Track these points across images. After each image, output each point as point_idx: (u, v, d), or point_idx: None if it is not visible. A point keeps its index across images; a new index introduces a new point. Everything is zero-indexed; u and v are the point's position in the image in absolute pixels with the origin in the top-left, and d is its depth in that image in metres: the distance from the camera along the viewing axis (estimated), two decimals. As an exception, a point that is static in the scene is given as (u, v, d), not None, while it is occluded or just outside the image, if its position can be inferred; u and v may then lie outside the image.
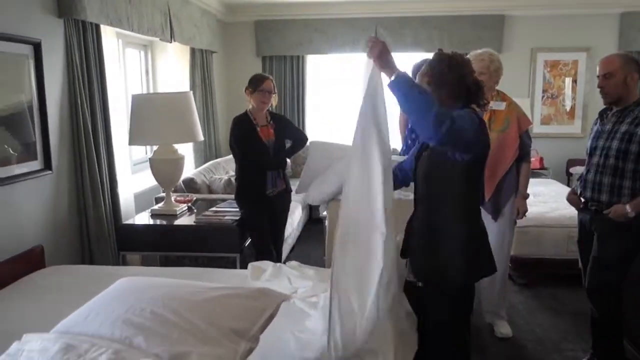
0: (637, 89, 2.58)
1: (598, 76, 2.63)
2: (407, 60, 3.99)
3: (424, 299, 2.16)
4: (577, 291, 2.78)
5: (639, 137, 2.48)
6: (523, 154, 3.08)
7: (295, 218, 4.81)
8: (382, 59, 1.90)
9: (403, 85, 1.88)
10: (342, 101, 6.79)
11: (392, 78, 1.90)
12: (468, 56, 3.10)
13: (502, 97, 3.13)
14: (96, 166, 3.40)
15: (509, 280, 4.05)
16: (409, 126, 3.92)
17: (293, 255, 4.88)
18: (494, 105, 3.04)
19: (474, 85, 2.11)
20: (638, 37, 6.11)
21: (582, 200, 2.77)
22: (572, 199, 2.86)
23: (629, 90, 2.55)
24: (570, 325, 3.41)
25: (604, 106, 2.71)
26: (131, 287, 1.35)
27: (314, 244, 5.04)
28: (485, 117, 3.03)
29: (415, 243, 2.16)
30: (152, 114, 3.40)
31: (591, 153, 2.71)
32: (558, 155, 6.38)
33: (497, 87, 3.29)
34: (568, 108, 6.48)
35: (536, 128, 6.49)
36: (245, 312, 1.34)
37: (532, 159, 6.07)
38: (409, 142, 3.96)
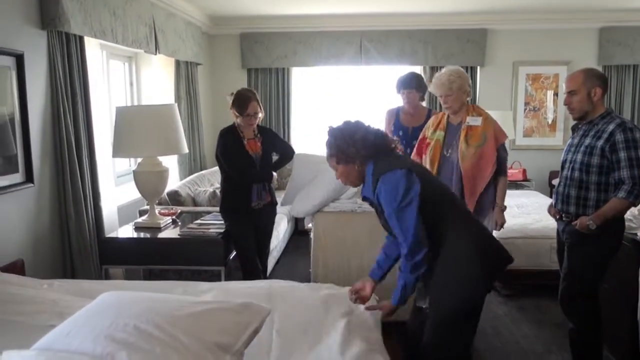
0: (602, 103, 2.66)
1: (564, 93, 2.70)
2: (392, 73, 4.03)
3: (434, 322, 2.16)
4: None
5: (599, 150, 2.54)
6: (500, 167, 3.11)
7: (281, 230, 4.80)
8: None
9: (404, 299, 2.11)
10: (327, 113, 6.83)
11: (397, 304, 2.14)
12: (432, 79, 3.15)
13: (477, 112, 3.16)
14: (79, 179, 3.37)
15: (494, 292, 4.08)
16: (392, 130, 3.96)
17: (279, 267, 4.86)
18: (470, 120, 3.07)
19: (376, 136, 2.17)
20: (616, 52, 6.26)
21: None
22: (550, 211, 2.92)
23: (593, 105, 2.62)
24: (554, 336, 3.43)
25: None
26: (114, 301, 1.33)
27: (300, 256, 5.03)
28: (462, 133, 3.07)
29: (431, 280, 2.16)
30: (136, 126, 3.38)
31: (562, 166, 2.79)
32: (540, 166, 6.47)
33: (477, 101, 3.34)
34: (550, 120, 6.59)
35: (519, 140, 6.59)
36: (230, 326, 1.32)
37: (516, 171, 6.21)
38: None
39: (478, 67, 6.39)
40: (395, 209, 2.02)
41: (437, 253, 2.08)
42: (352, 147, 2.12)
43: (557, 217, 2.81)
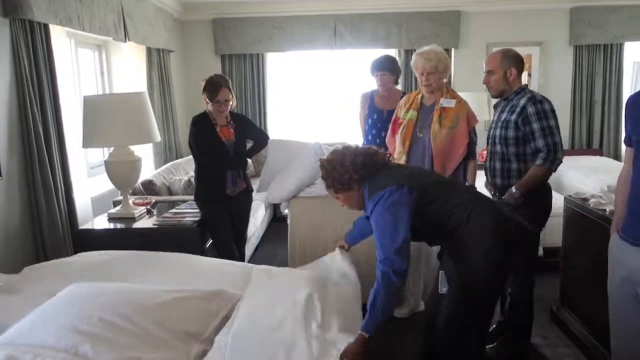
0: (518, 81, 2.82)
1: (484, 72, 2.87)
2: (366, 57, 4.02)
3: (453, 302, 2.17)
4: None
5: (513, 124, 2.73)
6: (470, 151, 3.17)
7: (258, 217, 4.78)
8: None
9: (374, 324, 1.98)
10: (303, 99, 6.80)
11: (372, 332, 1.98)
12: (415, 55, 3.16)
13: (452, 94, 3.19)
14: (49, 170, 3.30)
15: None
16: (369, 122, 3.96)
17: (257, 254, 4.86)
18: (444, 102, 3.10)
19: (365, 156, 2.19)
20: (587, 31, 6.32)
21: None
22: (486, 187, 3.04)
23: (509, 84, 2.80)
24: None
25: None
26: (80, 293, 1.31)
27: (279, 243, 5.00)
28: (436, 114, 3.08)
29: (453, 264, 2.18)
30: (105, 116, 3.31)
31: (487, 142, 2.96)
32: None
33: (452, 83, 3.36)
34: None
35: (494, 121, 6.64)
36: (199, 314, 1.32)
37: (484, 152, 6.26)
38: (369, 137, 4.00)
39: (452, 49, 6.39)
40: (390, 224, 2.03)
41: (459, 238, 2.09)
42: (346, 174, 2.15)
43: (492, 192, 2.95)
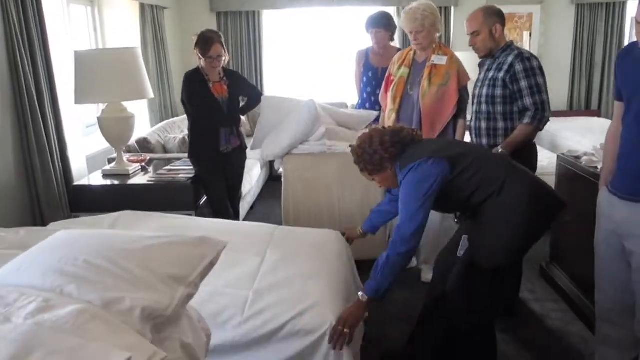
0: (504, 37, 2.78)
1: (467, 34, 2.82)
2: (363, 15, 3.95)
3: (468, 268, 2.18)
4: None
5: (501, 82, 2.68)
6: (460, 110, 3.13)
7: (254, 175, 4.80)
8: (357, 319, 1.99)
9: (383, 291, 2.05)
10: (300, 57, 6.72)
11: (373, 295, 2.04)
12: (402, 14, 3.10)
13: (444, 51, 3.14)
14: (42, 127, 3.29)
15: (454, 222, 4.19)
16: (364, 80, 3.93)
17: (253, 213, 4.90)
18: (436, 59, 3.06)
19: (392, 135, 2.18)
20: (590, -13, 6.20)
21: None
22: None
23: (496, 41, 2.75)
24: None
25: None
26: (66, 238, 1.33)
27: (275, 202, 5.03)
28: (426, 72, 3.05)
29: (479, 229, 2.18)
30: (96, 71, 3.28)
31: (472, 101, 2.91)
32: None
33: (451, 43, 3.31)
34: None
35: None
36: (184, 259, 1.34)
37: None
38: (364, 95, 3.99)
39: (452, 7, 6.28)
40: (414, 202, 2.05)
41: (490, 207, 2.08)
42: (376, 155, 2.15)
43: None
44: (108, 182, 3.52)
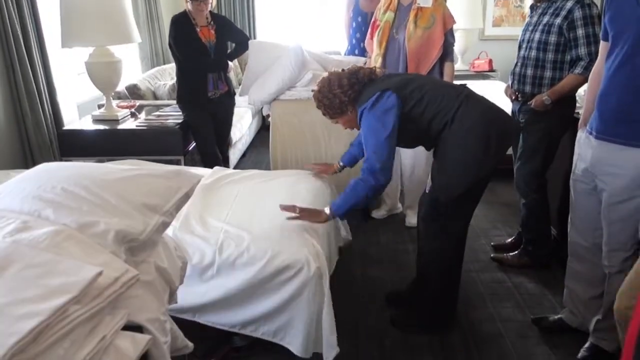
0: None
1: None
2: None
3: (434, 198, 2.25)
4: (512, 183, 2.96)
5: (557, 28, 2.55)
6: (446, 52, 3.11)
7: (244, 123, 4.82)
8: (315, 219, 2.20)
9: (343, 211, 2.19)
10: (294, 5, 6.61)
11: (334, 209, 2.19)
12: None
13: None
14: (30, 73, 3.29)
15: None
16: (353, 25, 3.90)
17: (244, 160, 4.96)
18: (421, 1, 3.03)
19: (349, 77, 2.19)
20: None
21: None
22: (507, 92, 2.95)
23: None
24: (500, 214, 3.66)
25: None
26: (46, 169, 1.39)
27: (266, 150, 5.03)
28: (412, 14, 3.03)
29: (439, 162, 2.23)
30: (81, 14, 3.24)
31: (519, 46, 2.79)
32: (508, 57, 6.34)
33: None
34: (525, 9, 6.43)
35: (487, 30, 6.49)
36: (160, 190, 1.39)
37: (482, 62, 6.18)
38: (354, 41, 3.96)
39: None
40: (374, 137, 2.11)
41: (445, 138, 2.12)
42: (335, 99, 2.18)
43: (513, 97, 2.86)
44: (98, 127, 3.55)
